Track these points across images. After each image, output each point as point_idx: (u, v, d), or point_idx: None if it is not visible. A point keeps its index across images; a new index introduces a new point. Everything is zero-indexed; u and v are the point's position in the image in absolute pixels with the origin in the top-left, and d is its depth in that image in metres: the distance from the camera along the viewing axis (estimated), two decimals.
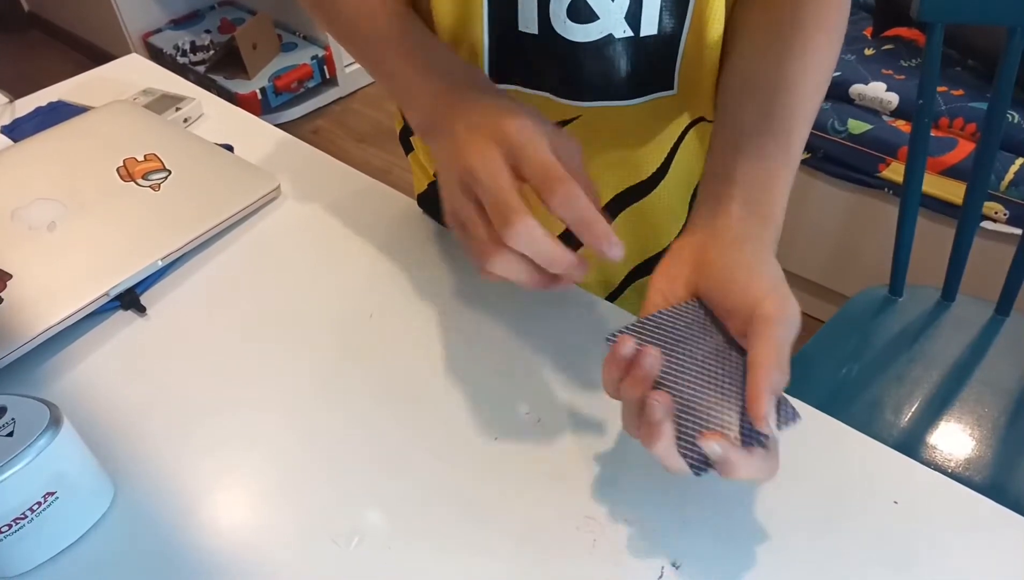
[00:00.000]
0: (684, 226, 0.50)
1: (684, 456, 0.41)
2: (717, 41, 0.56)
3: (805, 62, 0.51)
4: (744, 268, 0.44)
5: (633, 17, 0.53)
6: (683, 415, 0.41)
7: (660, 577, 0.44)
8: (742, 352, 0.43)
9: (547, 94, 0.57)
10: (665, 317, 0.45)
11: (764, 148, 0.49)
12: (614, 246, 0.42)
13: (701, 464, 0.40)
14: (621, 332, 0.45)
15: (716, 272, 0.44)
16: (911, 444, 0.89)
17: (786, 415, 0.41)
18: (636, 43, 0.54)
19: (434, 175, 0.71)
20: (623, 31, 0.54)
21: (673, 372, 0.43)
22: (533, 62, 0.56)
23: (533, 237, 0.41)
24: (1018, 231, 1.36)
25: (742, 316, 0.42)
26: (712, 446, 0.39)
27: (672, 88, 0.58)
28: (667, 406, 0.40)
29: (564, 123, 0.59)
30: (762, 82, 0.51)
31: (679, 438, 0.41)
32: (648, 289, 0.47)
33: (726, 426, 0.41)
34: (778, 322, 0.41)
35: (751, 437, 0.40)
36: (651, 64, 0.56)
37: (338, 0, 0.55)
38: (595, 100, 0.57)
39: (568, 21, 0.53)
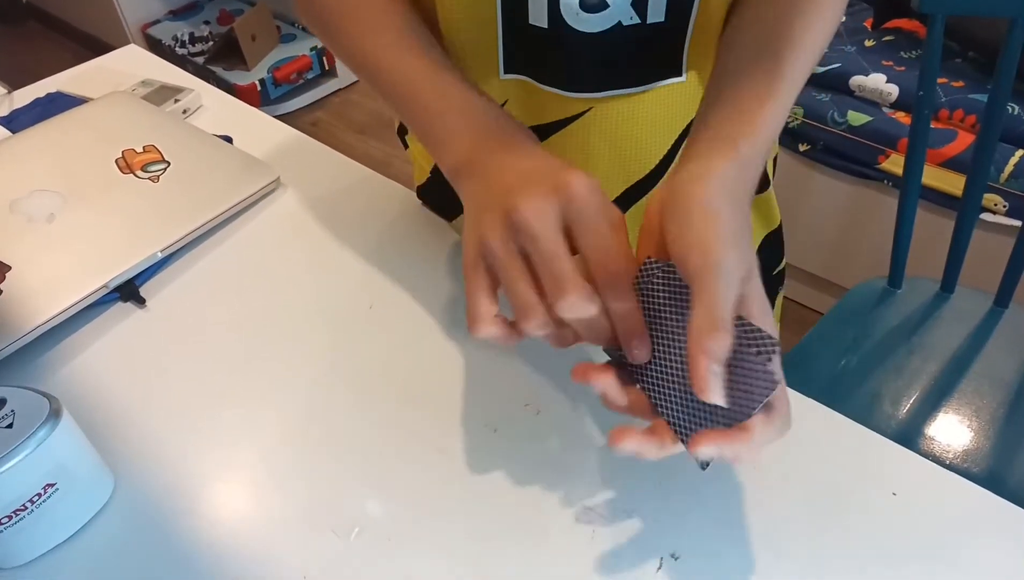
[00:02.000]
0: None
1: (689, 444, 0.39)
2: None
3: (811, 16, 0.51)
4: (680, 216, 0.40)
5: (640, 4, 0.53)
6: (673, 408, 0.40)
7: (659, 568, 0.44)
8: None
9: (557, 89, 0.57)
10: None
11: (748, 78, 0.48)
12: (643, 351, 0.41)
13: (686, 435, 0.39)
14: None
15: (667, 225, 0.41)
16: (910, 435, 0.89)
17: (763, 385, 0.38)
18: (643, 30, 0.54)
19: (429, 176, 0.71)
20: (630, 18, 0.54)
21: (655, 366, 0.41)
22: (542, 55, 0.56)
23: (587, 312, 0.39)
24: (1017, 223, 1.36)
25: (682, 264, 0.39)
26: (705, 452, 0.37)
27: (680, 75, 0.58)
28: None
29: (575, 117, 0.59)
30: (754, 17, 0.51)
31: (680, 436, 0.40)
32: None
33: (712, 411, 0.39)
34: (705, 275, 0.37)
35: (745, 406, 0.38)
36: (659, 51, 0.56)
37: (357, 36, 0.54)
38: (604, 90, 0.57)
39: (581, 12, 0.53)
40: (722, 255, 0.37)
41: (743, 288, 0.39)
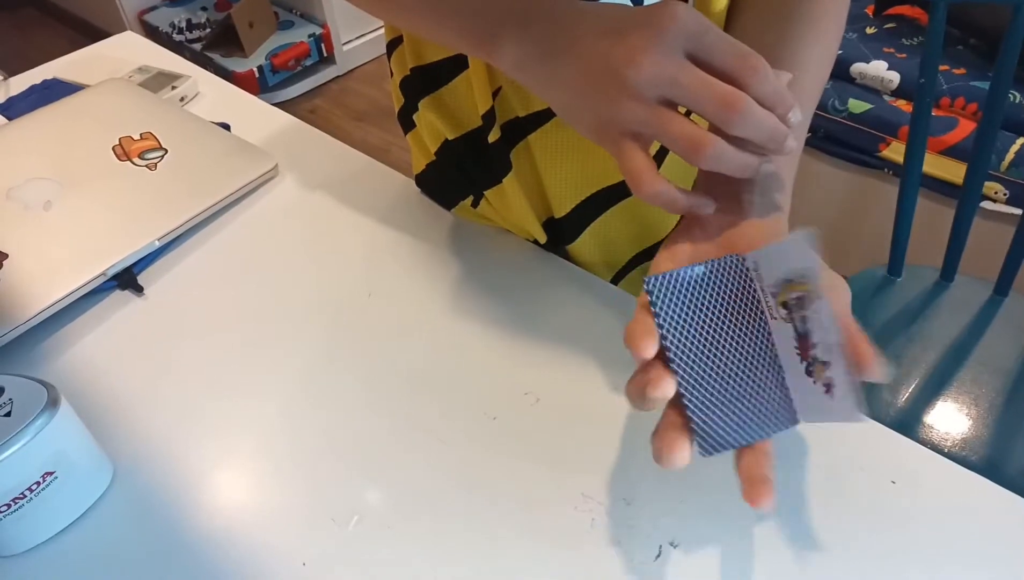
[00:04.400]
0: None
1: (702, 433, 0.38)
2: (720, 13, 0.56)
3: (809, 39, 0.51)
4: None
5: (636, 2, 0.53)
6: (719, 391, 0.39)
7: (658, 556, 0.44)
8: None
9: None
10: (708, 273, 0.41)
11: None
12: (797, 112, 0.41)
13: (713, 446, 0.38)
14: (651, 286, 0.41)
15: (741, 243, 0.43)
16: (908, 424, 0.89)
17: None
18: None
19: (428, 165, 0.71)
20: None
21: (713, 340, 0.40)
22: None
23: (759, 113, 0.39)
24: (1018, 211, 1.36)
25: None
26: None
27: None
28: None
29: None
30: (767, 60, 0.51)
31: (705, 413, 0.38)
32: (660, 252, 0.45)
33: (771, 403, 0.39)
34: (840, 289, 0.40)
35: (790, 416, 0.39)
36: None
37: None
38: None
39: None
40: (839, 280, 0.41)
41: None
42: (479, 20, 0.46)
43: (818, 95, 0.51)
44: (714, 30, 0.40)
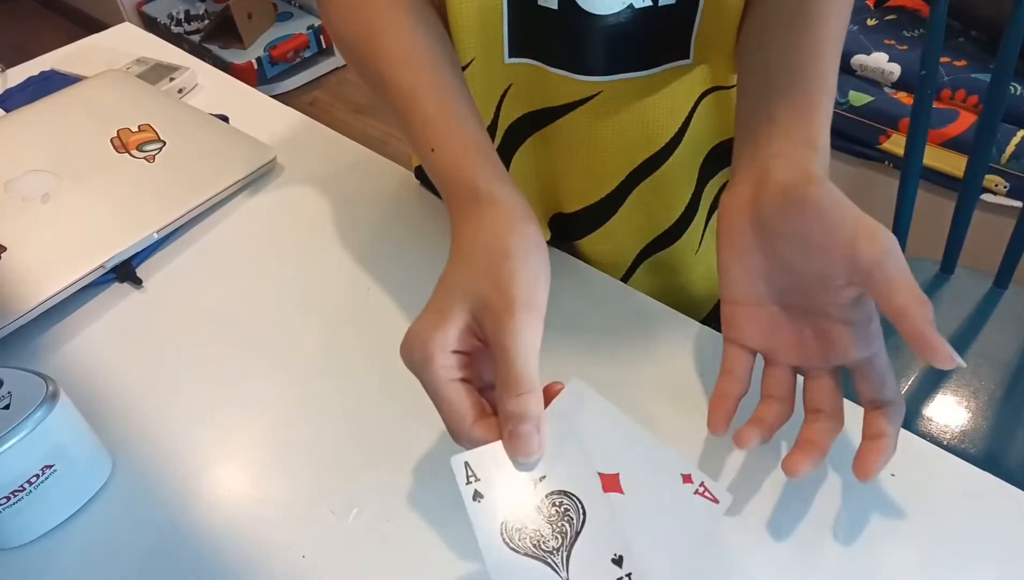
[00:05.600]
0: (729, 181, 0.48)
1: None
2: (732, 6, 0.55)
3: None
4: (813, 213, 0.41)
5: None
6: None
7: None
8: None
9: (566, 72, 0.57)
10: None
11: (797, 79, 0.47)
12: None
13: None
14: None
15: (784, 226, 0.42)
16: (908, 416, 0.89)
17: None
18: (654, 13, 0.54)
19: None
20: (642, 1, 0.53)
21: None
22: (551, 38, 0.56)
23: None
24: (1018, 204, 1.36)
25: (836, 261, 0.41)
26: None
27: (688, 57, 0.58)
28: None
29: (584, 101, 0.58)
30: (785, 16, 0.50)
31: None
32: (719, 268, 0.46)
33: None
34: (885, 258, 0.39)
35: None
36: (668, 33, 0.56)
37: (378, 61, 0.51)
38: (613, 73, 0.57)
39: None
40: (891, 237, 0.40)
41: None
42: (436, 170, 0.49)
43: (842, 42, 0.50)
44: (442, 386, 0.41)
